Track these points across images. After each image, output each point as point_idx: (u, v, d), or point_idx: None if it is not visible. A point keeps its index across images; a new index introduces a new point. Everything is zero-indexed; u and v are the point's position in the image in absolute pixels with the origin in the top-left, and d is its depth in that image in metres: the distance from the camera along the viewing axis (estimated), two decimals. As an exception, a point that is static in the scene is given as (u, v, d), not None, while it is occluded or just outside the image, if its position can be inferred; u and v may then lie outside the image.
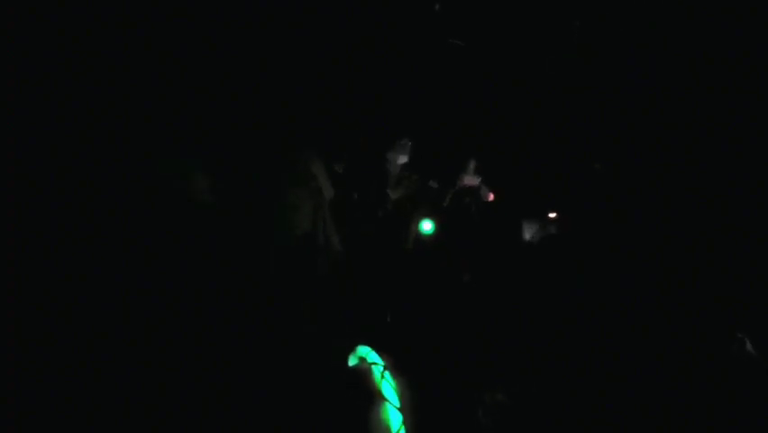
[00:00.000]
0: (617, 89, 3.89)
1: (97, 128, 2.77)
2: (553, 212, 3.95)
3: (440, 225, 3.70)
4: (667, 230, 3.47)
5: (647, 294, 3.09)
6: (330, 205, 3.18)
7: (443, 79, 4.00)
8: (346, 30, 3.70)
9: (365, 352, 2.10)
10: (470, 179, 3.98)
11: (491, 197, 4.01)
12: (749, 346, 2.81)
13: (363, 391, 1.98)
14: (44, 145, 2.65)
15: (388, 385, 1.99)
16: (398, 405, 1.96)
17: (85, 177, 2.79)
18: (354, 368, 2.08)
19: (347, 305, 2.78)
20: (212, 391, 2.16)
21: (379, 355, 2.08)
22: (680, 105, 3.65)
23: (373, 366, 2.02)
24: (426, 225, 3.74)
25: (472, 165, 3.99)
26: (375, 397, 1.96)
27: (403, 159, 3.77)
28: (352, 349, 2.12)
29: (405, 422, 1.92)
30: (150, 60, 3.13)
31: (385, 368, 2.02)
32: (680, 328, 2.93)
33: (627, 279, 3.19)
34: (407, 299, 3.02)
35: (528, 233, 3.87)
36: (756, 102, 3.38)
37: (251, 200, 3.08)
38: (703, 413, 2.50)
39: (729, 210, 3.38)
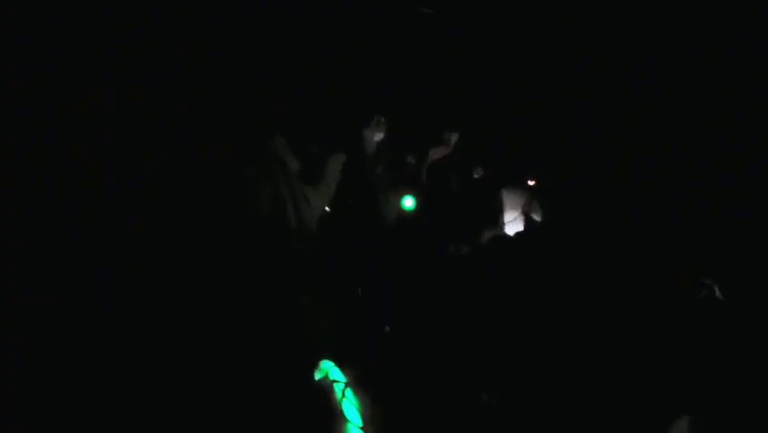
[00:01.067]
0: (590, 60, 3.80)
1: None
2: (532, 179, 3.91)
3: (421, 201, 3.67)
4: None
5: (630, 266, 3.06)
6: (298, 180, 3.13)
7: (417, 55, 3.88)
8: (318, 7, 3.57)
9: (328, 367, 2.10)
10: (446, 150, 3.91)
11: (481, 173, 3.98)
12: (717, 293, 2.82)
13: (324, 409, 2.00)
14: (44, 145, 2.64)
15: (349, 403, 2.01)
16: (360, 423, 1.98)
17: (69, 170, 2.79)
18: (317, 384, 2.09)
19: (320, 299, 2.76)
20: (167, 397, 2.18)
21: (342, 371, 2.08)
22: (669, 93, 3.58)
23: (335, 384, 2.03)
24: (408, 202, 3.71)
25: (452, 139, 3.91)
26: (336, 415, 1.98)
27: (379, 136, 3.68)
28: (316, 364, 2.13)
29: (367, 440, 1.94)
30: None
31: (347, 385, 2.03)
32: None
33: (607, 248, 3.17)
34: (384, 292, 3.00)
35: (510, 204, 3.84)
36: (756, 102, 3.30)
37: (205, 179, 3.02)
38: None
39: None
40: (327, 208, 3.38)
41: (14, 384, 2.26)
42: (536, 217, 3.89)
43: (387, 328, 2.80)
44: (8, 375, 2.27)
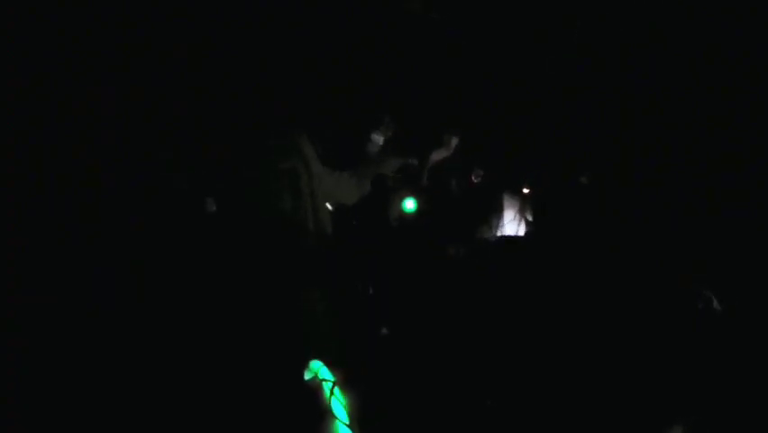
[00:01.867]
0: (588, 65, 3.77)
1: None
2: (526, 188, 3.88)
3: (422, 204, 3.66)
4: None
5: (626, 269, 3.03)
6: (319, 180, 3.13)
7: (425, 59, 3.88)
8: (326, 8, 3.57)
9: (317, 367, 2.10)
10: (446, 153, 3.88)
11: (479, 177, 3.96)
12: (716, 304, 2.77)
13: (313, 408, 2.00)
14: (44, 145, 2.66)
15: (337, 402, 2.00)
16: (347, 421, 1.97)
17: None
18: (306, 384, 2.09)
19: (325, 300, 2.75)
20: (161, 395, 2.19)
21: (331, 371, 2.08)
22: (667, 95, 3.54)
23: (323, 383, 2.03)
24: (409, 204, 3.69)
25: (453, 142, 3.88)
26: (325, 413, 1.98)
27: (384, 138, 3.66)
28: (306, 364, 2.13)
29: (354, 439, 1.93)
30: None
31: (335, 384, 2.02)
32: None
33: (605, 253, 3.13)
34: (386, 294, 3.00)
35: (509, 207, 3.82)
36: (756, 102, 3.25)
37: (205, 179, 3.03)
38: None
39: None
40: (330, 207, 3.38)
41: (14, 384, 2.27)
42: (533, 220, 3.87)
43: (384, 329, 2.78)
44: (8, 375, 2.28)
